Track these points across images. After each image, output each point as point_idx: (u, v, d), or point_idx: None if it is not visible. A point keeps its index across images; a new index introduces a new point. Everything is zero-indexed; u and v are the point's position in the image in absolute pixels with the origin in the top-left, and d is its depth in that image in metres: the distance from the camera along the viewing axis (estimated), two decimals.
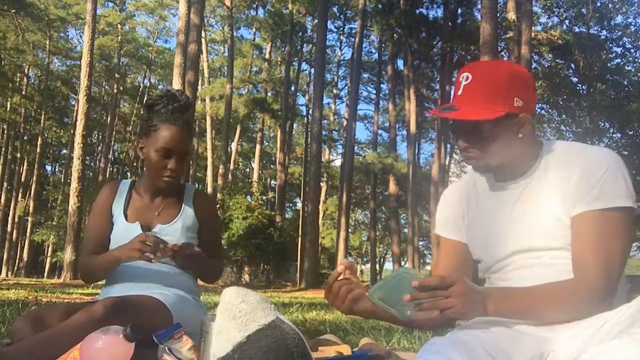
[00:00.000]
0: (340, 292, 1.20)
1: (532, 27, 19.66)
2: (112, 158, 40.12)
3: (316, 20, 25.84)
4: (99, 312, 1.41)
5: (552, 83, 23.76)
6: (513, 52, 18.03)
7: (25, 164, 37.23)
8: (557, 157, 1.22)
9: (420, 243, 32.63)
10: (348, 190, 23.16)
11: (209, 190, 27.05)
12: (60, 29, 36.94)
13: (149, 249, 1.60)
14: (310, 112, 27.12)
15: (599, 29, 24.82)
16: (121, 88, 39.19)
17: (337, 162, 37.96)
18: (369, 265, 35.01)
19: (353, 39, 28.60)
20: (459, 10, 24.17)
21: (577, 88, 24.65)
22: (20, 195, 35.80)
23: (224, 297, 1.20)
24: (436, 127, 25.12)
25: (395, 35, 25.15)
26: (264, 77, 32.72)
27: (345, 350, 1.77)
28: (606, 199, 1.12)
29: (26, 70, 36.69)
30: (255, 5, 33.59)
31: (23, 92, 35.04)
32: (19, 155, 36.36)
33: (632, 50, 24.97)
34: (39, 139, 34.66)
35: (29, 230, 34.36)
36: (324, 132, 29.27)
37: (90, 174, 35.98)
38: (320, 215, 29.79)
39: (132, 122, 38.64)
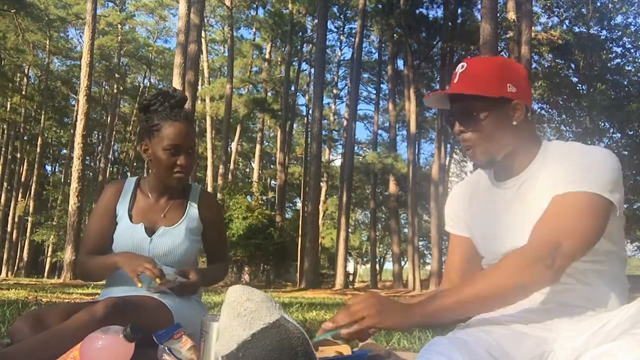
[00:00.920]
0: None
1: (532, 27, 19.66)
2: (112, 158, 40.13)
3: (316, 20, 25.84)
4: (100, 312, 1.41)
5: (552, 83, 23.77)
6: (513, 52, 18.02)
7: (25, 164, 37.23)
8: (555, 156, 1.23)
9: (420, 243, 32.65)
10: (348, 190, 23.16)
11: (209, 190, 27.05)
12: (60, 29, 36.94)
13: (150, 273, 1.59)
14: (310, 112, 27.13)
15: (599, 29, 24.83)
16: (121, 88, 39.19)
17: (337, 162, 38.00)
18: (369, 265, 35.05)
19: (353, 39, 28.61)
20: (459, 10, 24.19)
21: (577, 88, 24.66)
22: (20, 195, 35.80)
23: (229, 295, 1.20)
24: (436, 127, 25.12)
25: (395, 35, 25.16)
26: (264, 77, 32.73)
27: (345, 350, 1.77)
28: (585, 184, 1.11)
29: (26, 70, 36.68)
30: (255, 5, 33.60)
31: (23, 92, 35.04)
32: (19, 155, 36.36)
33: (632, 50, 24.99)
34: (39, 139, 34.66)
35: (29, 230, 34.36)
36: (324, 132, 29.28)
37: (90, 174, 35.98)
38: (320, 215, 29.80)
39: (132, 122, 38.63)
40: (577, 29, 24.96)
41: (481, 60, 1.28)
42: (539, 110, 24.28)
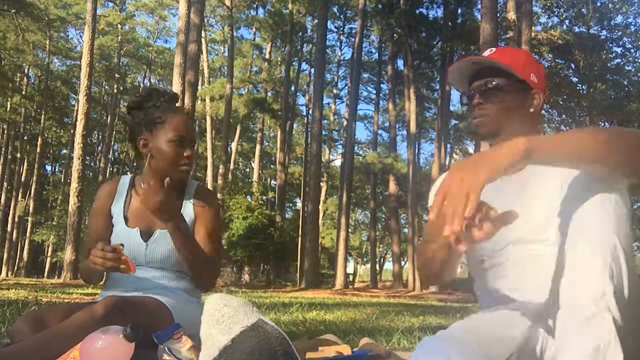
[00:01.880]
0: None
1: (532, 27, 19.67)
2: (112, 158, 40.13)
3: (316, 20, 25.85)
4: (100, 312, 1.40)
5: (552, 83, 23.77)
6: None
7: (25, 164, 37.24)
8: None
9: None
10: (348, 190, 23.15)
11: None
12: (60, 29, 36.93)
13: (101, 262, 1.51)
14: (310, 112, 27.13)
15: (599, 29, 24.84)
16: (121, 88, 39.17)
17: (337, 162, 38.00)
18: (369, 265, 35.05)
19: (353, 39, 28.60)
20: (459, 10, 24.20)
21: (577, 88, 24.67)
22: (20, 195, 35.82)
23: (208, 304, 1.22)
24: (436, 127, 25.13)
25: (395, 35, 25.16)
26: (264, 77, 32.73)
27: (345, 350, 1.77)
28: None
29: (26, 70, 36.69)
30: (255, 5, 33.58)
31: (23, 92, 35.03)
32: (19, 155, 36.37)
33: (632, 50, 24.99)
34: (39, 139, 34.65)
35: (29, 230, 34.36)
36: (324, 132, 29.27)
37: (90, 174, 35.98)
38: (320, 215, 29.80)
39: None
40: (577, 29, 24.98)
41: (507, 49, 1.37)
42: None
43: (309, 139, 25.63)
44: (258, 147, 34.17)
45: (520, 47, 16.68)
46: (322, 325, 3.61)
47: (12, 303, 4.20)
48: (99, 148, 39.44)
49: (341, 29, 36.08)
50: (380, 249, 44.26)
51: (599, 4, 24.33)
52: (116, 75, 38.20)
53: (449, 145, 28.39)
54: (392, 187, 26.96)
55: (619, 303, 0.93)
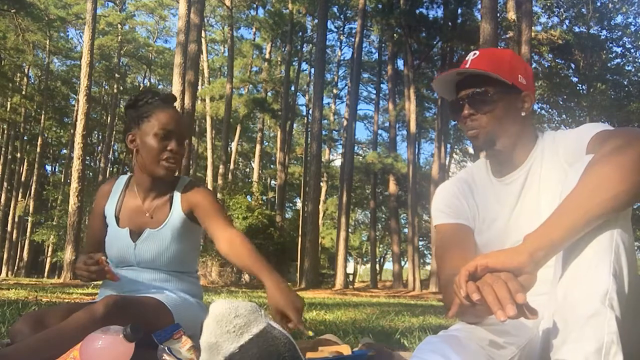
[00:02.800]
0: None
1: (532, 27, 19.66)
2: (112, 158, 40.12)
3: (316, 20, 25.83)
4: (100, 311, 1.40)
5: (552, 83, 23.77)
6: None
7: (25, 164, 37.24)
8: (551, 144, 1.26)
9: (420, 243, 32.63)
10: (348, 190, 23.15)
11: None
12: (60, 29, 36.92)
13: (86, 275, 1.58)
14: (310, 112, 27.12)
15: (599, 29, 24.85)
16: (121, 88, 39.18)
17: (337, 162, 38.01)
18: (369, 265, 35.05)
19: (353, 39, 28.60)
20: (459, 10, 24.18)
21: (577, 88, 24.67)
22: (20, 195, 35.81)
23: (215, 311, 1.17)
24: (436, 127, 25.13)
25: (395, 35, 25.16)
26: (264, 77, 32.72)
27: (345, 350, 1.77)
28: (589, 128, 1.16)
29: (26, 70, 36.68)
30: (255, 5, 33.59)
31: (23, 92, 35.04)
32: (19, 155, 36.36)
33: (632, 50, 25.01)
34: (39, 139, 34.66)
35: (29, 230, 34.35)
36: (324, 132, 29.27)
37: (90, 174, 35.99)
38: (320, 215, 29.79)
39: None
40: (577, 29, 24.98)
41: (492, 51, 1.31)
42: (539, 110, 24.28)
43: (309, 139, 25.62)
44: (258, 147, 34.16)
45: (520, 47, 16.70)
46: (322, 325, 3.61)
47: (12, 303, 4.19)
48: (99, 148, 39.44)
49: (341, 29, 36.12)
50: (380, 249, 44.26)
51: (599, 4, 24.33)
52: (116, 75, 38.20)
53: (448, 145, 28.37)
54: (392, 187, 26.96)
55: (620, 302, 0.93)
